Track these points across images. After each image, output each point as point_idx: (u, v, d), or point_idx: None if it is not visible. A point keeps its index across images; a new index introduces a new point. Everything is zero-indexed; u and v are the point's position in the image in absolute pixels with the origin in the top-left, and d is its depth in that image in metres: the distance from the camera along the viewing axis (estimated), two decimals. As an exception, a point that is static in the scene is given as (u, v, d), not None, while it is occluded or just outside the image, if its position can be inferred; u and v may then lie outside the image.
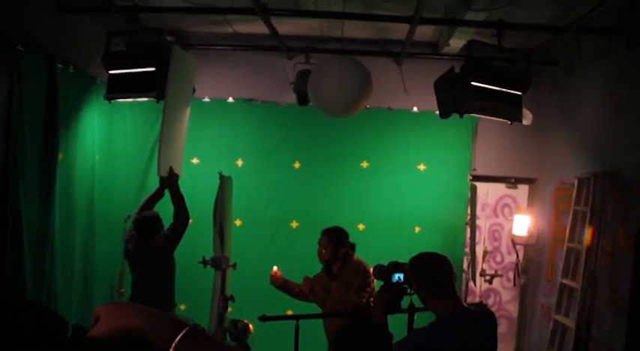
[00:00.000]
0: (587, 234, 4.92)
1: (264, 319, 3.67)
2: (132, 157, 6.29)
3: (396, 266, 3.05)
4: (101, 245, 5.99)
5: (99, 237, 5.97)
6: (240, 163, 6.42)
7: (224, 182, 4.06)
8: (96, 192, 5.93)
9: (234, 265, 3.97)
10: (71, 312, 5.62)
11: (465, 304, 2.82)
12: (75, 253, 5.60)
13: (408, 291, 3.01)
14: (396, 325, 3.12)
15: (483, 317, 2.81)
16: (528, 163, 6.55)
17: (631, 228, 4.46)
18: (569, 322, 5.14)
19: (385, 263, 3.14)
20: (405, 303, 3.07)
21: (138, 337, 0.91)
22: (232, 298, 3.86)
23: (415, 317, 3.13)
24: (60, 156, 5.21)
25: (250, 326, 3.98)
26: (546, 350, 5.44)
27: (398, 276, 3.02)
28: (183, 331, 0.89)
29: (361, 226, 6.29)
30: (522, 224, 6.21)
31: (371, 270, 3.93)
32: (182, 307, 5.44)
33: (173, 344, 0.88)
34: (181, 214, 4.63)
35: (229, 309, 4.59)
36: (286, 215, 6.40)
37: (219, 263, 3.63)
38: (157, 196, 4.98)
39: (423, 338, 2.66)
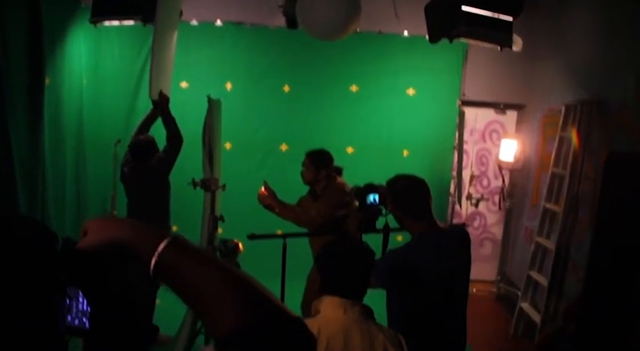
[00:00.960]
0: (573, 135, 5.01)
1: (252, 237, 3.76)
2: (120, 81, 6.24)
3: (371, 187, 3.08)
4: (92, 169, 6.05)
5: (89, 161, 6.02)
6: (229, 86, 6.40)
7: (212, 105, 4.07)
8: (85, 116, 5.94)
9: (224, 187, 4.04)
10: (64, 234, 5.73)
11: (440, 225, 2.87)
12: (66, 176, 5.67)
13: (383, 212, 3.06)
14: (371, 245, 3.19)
15: (456, 235, 2.89)
16: (517, 90, 6.56)
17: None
18: (550, 244, 5.31)
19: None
20: (380, 223, 3.13)
21: (124, 248, 0.96)
22: (222, 219, 3.95)
23: (390, 238, 3.22)
24: (47, 80, 5.18)
25: (240, 245, 4.09)
26: (527, 270, 5.63)
27: (373, 197, 3.05)
28: (166, 241, 0.93)
29: (350, 150, 6.36)
30: (509, 149, 6.29)
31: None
32: (174, 228, 5.54)
33: (156, 253, 0.93)
34: (174, 136, 4.65)
35: (220, 230, 4.69)
36: (276, 139, 6.45)
37: (208, 184, 3.69)
38: (151, 119, 4.98)
39: (400, 258, 2.73)
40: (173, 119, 4.70)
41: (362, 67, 6.31)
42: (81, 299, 0.99)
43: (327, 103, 6.36)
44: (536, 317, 5.26)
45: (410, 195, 2.83)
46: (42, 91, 4.98)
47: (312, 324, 2.17)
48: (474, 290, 6.69)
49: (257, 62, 6.41)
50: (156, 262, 0.93)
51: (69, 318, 0.99)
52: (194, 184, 3.69)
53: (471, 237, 5.75)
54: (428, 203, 2.84)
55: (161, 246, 0.93)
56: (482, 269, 6.98)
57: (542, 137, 6.13)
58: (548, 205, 5.45)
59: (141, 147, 4.74)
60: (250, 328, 0.86)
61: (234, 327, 0.86)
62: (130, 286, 1.01)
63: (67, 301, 0.98)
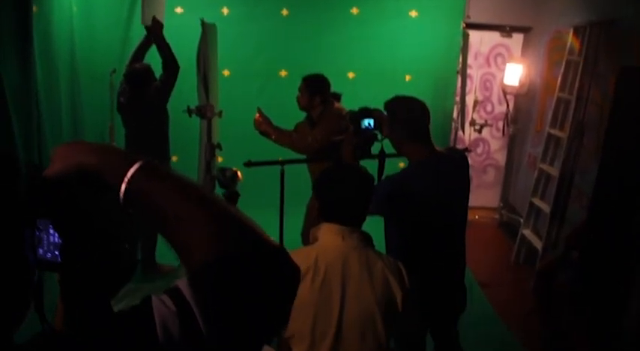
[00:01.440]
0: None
1: (248, 164, 3.69)
2: (112, 8, 5.98)
3: (366, 112, 2.96)
4: (88, 99, 5.89)
5: (84, 91, 5.85)
6: (225, 11, 6.16)
7: (206, 29, 3.89)
8: (77, 45, 5.72)
9: (220, 113, 3.92)
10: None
11: (438, 149, 2.78)
12: (61, 107, 5.52)
13: (378, 137, 2.96)
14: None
15: (455, 160, 2.81)
16: (524, 11, 6.31)
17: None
18: (554, 171, 5.24)
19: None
20: (375, 149, 3.02)
21: (92, 173, 0.87)
22: (219, 147, 3.86)
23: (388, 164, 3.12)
24: (34, 8, 4.98)
25: (239, 174, 4.02)
26: (530, 197, 5.59)
27: (368, 122, 2.93)
28: (137, 166, 0.85)
29: (351, 75, 6.20)
30: (514, 73, 6.12)
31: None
32: (174, 158, 5.47)
33: (125, 179, 0.85)
34: (170, 64, 4.51)
35: (219, 159, 4.61)
36: (275, 64, 6.27)
37: (204, 111, 3.57)
38: (145, 46, 4.83)
39: (398, 183, 2.67)
40: (168, 46, 4.55)
41: (361, -10, 6.07)
42: (51, 231, 0.91)
43: (326, 27, 6.14)
44: (538, 244, 5.26)
45: (409, 117, 2.72)
46: (30, 20, 4.78)
47: (309, 252, 2.13)
48: (476, 217, 6.68)
49: (254, -16, 6.15)
50: (126, 188, 0.84)
51: (40, 251, 0.92)
52: (189, 111, 3.58)
53: (474, 163, 5.70)
54: (427, 127, 2.74)
55: (131, 170, 0.84)
56: (485, 196, 6.95)
57: (548, 61, 5.95)
58: (552, 131, 5.34)
59: (137, 75, 4.61)
60: (227, 259, 0.78)
61: (210, 257, 0.79)
62: (103, 216, 0.93)
63: (37, 233, 0.90)
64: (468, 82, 6.46)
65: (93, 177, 0.87)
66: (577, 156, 4.98)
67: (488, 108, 6.84)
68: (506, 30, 6.50)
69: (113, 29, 5.99)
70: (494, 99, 6.80)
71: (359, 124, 2.96)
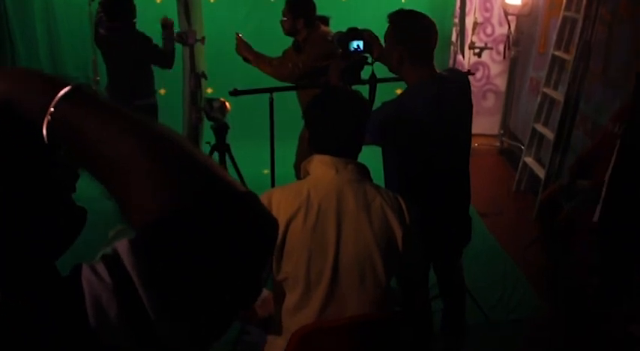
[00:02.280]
0: None
1: (234, 93, 3.47)
2: None
3: (355, 33, 2.69)
4: (66, 32, 5.56)
5: (61, 22, 5.52)
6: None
7: None
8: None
9: (202, 40, 3.63)
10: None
11: (439, 71, 2.54)
12: (37, 40, 5.23)
13: (369, 60, 2.71)
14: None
15: (458, 83, 2.59)
16: None
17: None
18: (558, 95, 5.00)
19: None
20: (365, 74, 2.78)
21: (7, 104, 0.66)
22: (204, 76, 3.61)
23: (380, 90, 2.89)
24: None
25: (227, 104, 3.81)
26: (532, 123, 5.38)
27: (357, 43, 2.67)
28: (62, 93, 0.64)
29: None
30: (516, -8, 5.79)
31: None
32: (162, 91, 5.23)
33: (48, 111, 0.64)
34: (168, 59, 4.27)
35: (209, 90, 4.38)
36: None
37: (185, 38, 3.29)
38: None
39: (395, 109, 2.45)
40: (173, 43, 4.28)
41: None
42: None
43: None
44: (541, 172, 5.08)
45: (417, 34, 2.46)
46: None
47: (300, 187, 1.93)
48: (476, 144, 6.48)
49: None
50: (49, 121, 0.64)
51: None
52: (172, 38, 3.30)
53: (474, 89, 5.48)
54: (433, 48, 2.50)
55: (54, 100, 0.63)
56: (485, 122, 6.73)
57: (553, -22, 5.61)
58: (557, 53, 5.06)
59: (115, 4, 4.28)
60: (180, 213, 0.59)
61: (157, 211, 0.60)
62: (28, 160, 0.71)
63: None
64: (467, 2, 6.12)
65: (9, 109, 0.65)
66: (583, 80, 4.72)
67: (489, 30, 6.52)
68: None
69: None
70: (495, 20, 6.48)
71: (347, 46, 2.69)
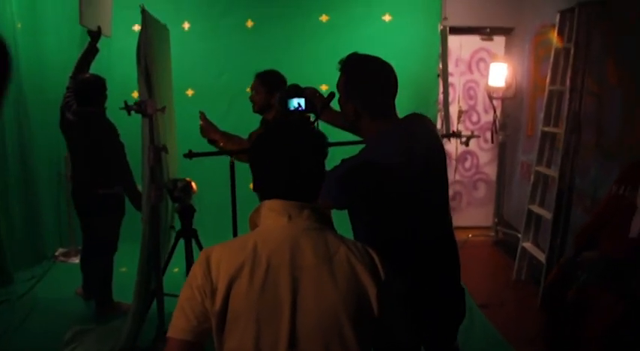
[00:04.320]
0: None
1: (190, 155, 3.21)
2: (64, 26, 5.51)
3: (295, 90, 2.45)
4: (38, 128, 5.36)
5: (33, 117, 5.32)
6: (186, 26, 5.75)
7: (147, 18, 3.38)
8: (22, 66, 5.20)
9: (163, 109, 3.38)
10: (9, 197, 5.09)
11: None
12: (4, 130, 5.00)
13: (312, 119, 2.41)
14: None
15: (423, 122, 2.24)
16: (504, 11, 5.94)
17: (622, 60, 3.96)
18: (552, 172, 4.76)
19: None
20: None
21: None
22: (165, 149, 3.33)
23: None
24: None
25: (193, 184, 3.51)
26: (527, 205, 5.08)
27: (297, 102, 2.42)
28: None
29: (325, 87, 5.72)
30: (499, 74, 5.69)
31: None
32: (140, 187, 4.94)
33: None
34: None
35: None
36: (241, 81, 5.70)
37: (144, 108, 3.05)
38: (90, 53, 4.35)
39: (359, 163, 2.07)
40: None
41: (330, -6, 5.68)
42: None
43: (295, 37, 5.72)
44: (541, 256, 4.73)
45: (370, 84, 2.12)
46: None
47: (245, 241, 1.52)
48: (469, 236, 6.16)
49: (215, -3, 5.77)
50: None
51: None
52: (127, 107, 3.06)
53: (463, 179, 5.21)
54: (394, 98, 2.16)
55: None
56: (477, 214, 6.46)
57: (535, 59, 5.54)
58: (546, 129, 4.87)
59: (87, 86, 4.10)
60: None
61: None
62: None
63: None
64: (451, 90, 6.03)
65: None
66: (576, 154, 4.50)
67: (474, 118, 6.40)
68: (486, 32, 6.12)
69: (66, 49, 5.47)
70: (480, 108, 6.38)
71: (286, 105, 2.44)
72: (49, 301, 4.53)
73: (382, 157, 2.05)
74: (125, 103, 3.09)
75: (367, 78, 2.12)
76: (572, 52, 4.42)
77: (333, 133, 2.36)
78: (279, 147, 1.61)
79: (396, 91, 2.17)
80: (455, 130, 5.98)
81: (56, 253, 5.57)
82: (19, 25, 5.20)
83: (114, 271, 4.37)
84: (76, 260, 5.06)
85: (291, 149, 1.60)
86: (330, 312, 1.47)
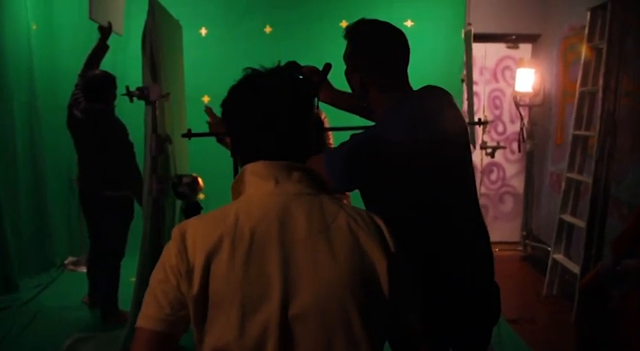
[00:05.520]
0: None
1: (188, 135, 3.04)
2: (80, 29, 5.41)
3: (292, 67, 2.15)
4: (49, 129, 5.24)
5: (45, 122, 5.21)
6: (204, 32, 5.66)
7: (153, 4, 3.18)
8: (36, 69, 5.12)
9: (167, 96, 3.17)
10: (19, 203, 4.95)
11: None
12: (15, 133, 4.88)
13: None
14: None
15: (439, 94, 1.97)
16: (530, 17, 5.74)
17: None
18: (585, 178, 4.49)
19: None
20: None
21: None
22: (169, 140, 3.13)
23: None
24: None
25: (200, 180, 3.30)
26: (558, 214, 4.81)
27: None
28: None
29: (346, 95, 5.58)
30: (526, 79, 5.47)
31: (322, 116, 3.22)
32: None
33: None
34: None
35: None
36: (259, 87, 5.67)
37: (147, 94, 2.85)
38: (100, 50, 4.23)
39: (368, 140, 1.81)
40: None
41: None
42: None
43: (314, 43, 5.56)
44: (575, 268, 4.44)
45: (381, 48, 1.89)
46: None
47: (226, 211, 1.25)
48: (496, 250, 5.86)
49: (233, 2, 5.67)
50: None
51: None
52: (129, 94, 2.87)
53: (489, 192, 4.91)
54: (406, 64, 1.93)
55: None
56: (504, 229, 6.18)
57: (563, 65, 5.31)
58: (578, 132, 4.62)
59: (96, 83, 3.97)
60: None
61: None
62: None
63: None
64: (475, 100, 5.82)
65: None
66: (611, 158, 4.23)
67: (500, 128, 6.16)
68: (512, 39, 5.91)
69: (80, 52, 5.34)
70: (506, 118, 6.14)
71: None
72: (54, 308, 4.35)
73: (393, 132, 1.79)
74: (127, 88, 2.92)
75: (376, 44, 1.90)
76: (604, 50, 4.19)
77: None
78: (250, 96, 1.33)
79: (408, 60, 1.93)
80: (480, 141, 5.77)
81: (65, 262, 5.41)
82: (35, 27, 5.12)
83: (122, 280, 4.18)
84: (85, 269, 4.89)
85: (266, 98, 1.32)
86: (330, 293, 1.20)
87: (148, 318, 1.22)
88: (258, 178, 1.28)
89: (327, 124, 3.69)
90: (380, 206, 1.87)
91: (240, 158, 1.37)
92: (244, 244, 1.19)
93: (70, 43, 5.41)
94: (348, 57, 1.97)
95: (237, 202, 1.28)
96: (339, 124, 3.10)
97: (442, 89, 2.00)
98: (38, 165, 5.17)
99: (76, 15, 5.39)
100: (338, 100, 2.37)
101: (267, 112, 1.30)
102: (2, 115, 4.73)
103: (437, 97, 1.96)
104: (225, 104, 1.36)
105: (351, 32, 1.93)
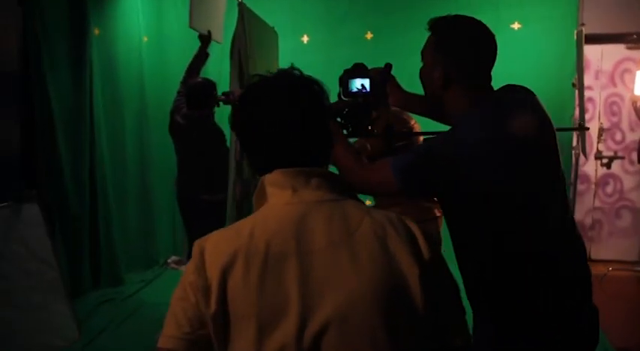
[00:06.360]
0: None
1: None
2: (187, 41, 5.67)
3: (359, 69, 2.00)
4: (157, 135, 5.51)
5: (154, 127, 5.49)
6: (305, 39, 5.75)
7: (244, 12, 3.24)
8: (146, 77, 5.44)
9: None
10: (127, 204, 5.28)
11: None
12: (126, 139, 5.21)
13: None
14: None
15: (521, 93, 1.81)
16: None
17: None
18: None
19: None
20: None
21: None
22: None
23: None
24: (96, 31, 4.78)
25: None
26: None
27: (361, 83, 1.96)
28: None
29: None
30: (647, 83, 5.04)
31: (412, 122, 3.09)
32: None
33: None
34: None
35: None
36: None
37: (233, 97, 2.91)
38: (200, 58, 4.38)
39: (446, 144, 1.70)
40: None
41: (455, 3, 5.34)
42: None
43: (416, 49, 5.41)
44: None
45: (468, 43, 1.77)
46: (86, 40, 4.55)
47: (243, 225, 1.22)
48: (609, 269, 5.45)
49: (334, 9, 5.70)
50: None
51: None
52: (216, 99, 2.94)
53: (604, 206, 4.60)
54: (489, 65, 1.79)
55: None
56: (620, 246, 5.72)
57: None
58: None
59: (198, 91, 4.11)
60: None
61: None
62: None
63: None
64: (590, 106, 5.45)
65: None
66: None
67: (618, 137, 5.71)
68: (632, 39, 5.46)
69: (186, 64, 5.62)
70: (625, 125, 5.68)
71: (347, 86, 1.98)
72: (154, 304, 4.56)
73: (470, 136, 1.68)
74: (214, 94, 2.99)
75: (463, 38, 1.79)
76: None
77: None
78: (267, 102, 1.27)
79: (494, 61, 1.81)
80: (595, 149, 5.40)
81: (168, 260, 5.66)
82: (145, 39, 5.42)
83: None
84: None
85: (275, 104, 1.26)
86: (353, 306, 1.12)
87: (168, 338, 1.18)
88: (277, 188, 1.24)
89: (417, 130, 3.59)
90: (460, 221, 1.79)
91: (258, 170, 1.31)
92: (259, 258, 1.14)
93: (177, 52, 5.65)
94: (429, 50, 1.84)
95: (255, 215, 1.25)
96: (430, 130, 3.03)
97: (525, 88, 1.85)
98: (146, 169, 5.48)
99: (183, 25, 5.63)
100: (410, 103, 2.26)
101: (274, 119, 1.25)
102: (115, 122, 5.07)
103: (519, 98, 1.81)
104: (232, 118, 1.33)
105: (436, 24, 1.82)
